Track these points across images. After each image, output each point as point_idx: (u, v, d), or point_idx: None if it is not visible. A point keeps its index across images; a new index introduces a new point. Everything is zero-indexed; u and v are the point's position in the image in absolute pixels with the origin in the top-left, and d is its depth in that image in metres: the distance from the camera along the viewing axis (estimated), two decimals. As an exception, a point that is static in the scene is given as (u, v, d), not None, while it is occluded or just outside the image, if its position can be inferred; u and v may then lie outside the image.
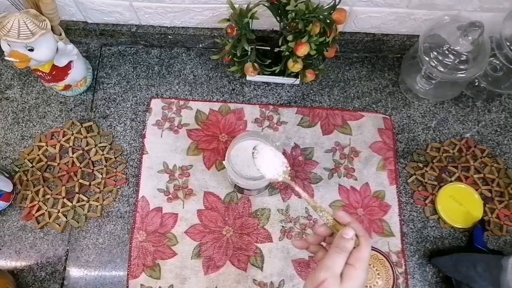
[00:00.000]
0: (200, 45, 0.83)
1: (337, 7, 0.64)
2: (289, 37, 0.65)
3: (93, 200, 0.72)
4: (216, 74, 0.81)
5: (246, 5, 0.66)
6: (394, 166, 0.75)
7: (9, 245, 0.70)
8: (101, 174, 0.73)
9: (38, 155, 0.74)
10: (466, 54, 0.65)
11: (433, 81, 0.75)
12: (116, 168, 0.74)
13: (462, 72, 0.66)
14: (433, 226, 0.71)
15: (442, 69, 0.66)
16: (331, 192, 0.73)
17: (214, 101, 0.79)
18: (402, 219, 0.72)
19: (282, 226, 0.71)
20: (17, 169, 0.74)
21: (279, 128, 0.77)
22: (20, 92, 0.80)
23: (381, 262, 0.67)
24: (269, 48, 0.74)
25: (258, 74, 0.74)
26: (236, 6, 0.67)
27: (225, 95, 0.80)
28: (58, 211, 0.71)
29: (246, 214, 0.71)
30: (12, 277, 0.67)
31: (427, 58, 0.67)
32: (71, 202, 0.72)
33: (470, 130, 0.77)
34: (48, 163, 0.74)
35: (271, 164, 0.53)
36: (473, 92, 0.79)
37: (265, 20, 0.70)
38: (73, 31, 0.80)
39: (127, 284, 0.68)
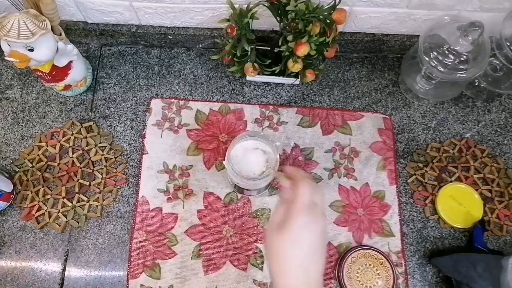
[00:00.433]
0: (200, 45, 0.83)
1: (337, 7, 0.64)
2: (289, 37, 0.65)
3: (93, 200, 0.72)
4: (216, 74, 0.81)
5: (246, 5, 0.66)
6: (394, 166, 0.75)
7: (9, 245, 0.70)
8: (101, 174, 0.73)
9: (38, 155, 0.74)
10: (466, 54, 0.65)
11: (433, 81, 0.75)
12: (116, 168, 0.74)
13: (462, 72, 0.66)
14: (433, 226, 0.71)
15: (442, 69, 0.66)
16: (331, 192, 0.73)
17: (214, 101, 0.79)
18: (402, 219, 0.72)
19: (282, 226, 0.71)
20: (17, 169, 0.74)
21: (279, 128, 0.77)
22: (20, 92, 0.80)
23: (381, 262, 0.68)
24: (269, 48, 0.74)
25: (258, 74, 0.74)
26: (236, 6, 0.67)
27: (225, 95, 0.80)
28: (58, 211, 0.71)
29: (246, 214, 0.71)
30: None
31: (427, 58, 0.67)
32: (71, 202, 0.72)
33: (470, 130, 0.77)
34: (48, 163, 0.74)
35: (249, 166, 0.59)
36: (473, 92, 0.79)
37: (265, 20, 0.70)
38: (73, 31, 0.80)
39: (127, 284, 0.68)
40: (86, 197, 0.72)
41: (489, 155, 0.75)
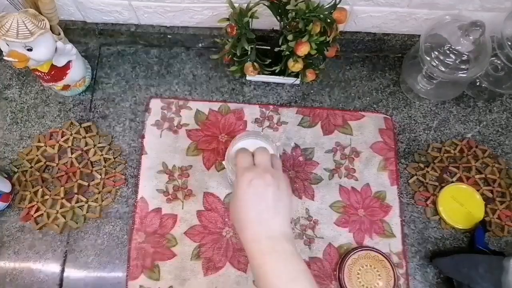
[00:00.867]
0: (200, 45, 0.82)
1: (338, 6, 0.64)
2: (289, 37, 0.64)
3: (92, 201, 0.72)
4: (216, 74, 0.81)
5: (246, 4, 0.66)
6: (395, 167, 0.74)
7: (8, 246, 0.69)
8: (100, 174, 0.73)
9: (37, 155, 0.74)
10: (467, 53, 0.65)
11: (434, 81, 0.74)
12: (115, 169, 0.74)
13: (463, 72, 0.65)
14: (434, 227, 0.71)
15: (443, 69, 0.66)
16: (331, 192, 0.73)
17: (214, 101, 0.79)
18: (403, 220, 0.71)
19: (282, 227, 0.70)
20: (15, 170, 0.73)
21: (279, 128, 0.77)
22: (18, 92, 0.79)
23: (382, 263, 0.67)
24: (269, 47, 0.73)
25: (258, 73, 0.73)
26: (236, 5, 0.66)
27: (225, 95, 0.79)
28: (57, 212, 0.71)
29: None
30: None
31: (428, 58, 0.66)
32: (70, 203, 0.71)
33: (472, 130, 0.77)
34: (47, 163, 0.74)
35: None
36: (474, 92, 0.79)
37: (265, 20, 0.70)
38: (72, 31, 0.79)
39: (126, 285, 0.67)
40: (85, 197, 0.72)
41: (490, 155, 0.75)
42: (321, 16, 0.63)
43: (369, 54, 0.83)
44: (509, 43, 0.65)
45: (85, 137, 0.75)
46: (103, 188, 0.72)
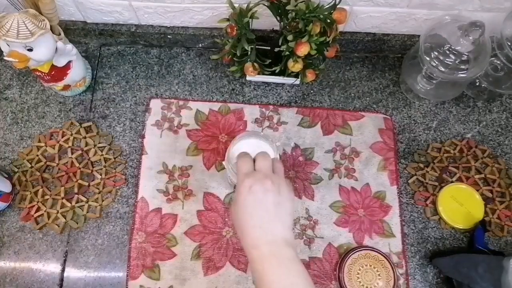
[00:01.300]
0: (200, 45, 0.82)
1: (338, 6, 0.64)
2: (289, 37, 0.65)
3: (92, 201, 0.72)
4: (216, 74, 0.81)
5: (246, 5, 0.66)
6: (394, 167, 0.74)
7: (8, 246, 0.69)
8: (100, 174, 0.73)
9: (37, 155, 0.74)
10: (467, 54, 0.65)
11: (434, 81, 0.74)
12: (115, 169, 0.74)
13: (463, 72, 0.66)
14: (434, 227, 0.71)
15: (443, 69, 0.66)
16: (331, 192, 0.73)
17: (214, 101, 0.79)
18: (403, 219, 0.71)
19: (282, 227, 0.70)
20: (16, 170, 0.73)
21: (279, 128, 0.77)
22: (19, 92, 0.79)
23: (382, 263, 0.67)
24: (269, 48, 0.73)
25: (258, 74, 0.73)
26: (236, 5, 0.66)
27: (225, 95, 0.79)
28: (57, 212, 0.71)
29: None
30: None
31: (427, 58, 0.66)
32: (70, 203, 0.71)
33: (471, 130, 0.77)
34: (47, 163, 0.74)
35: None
36: (474, 92, 0.79)
37: (265, 20, 0.70)
38: (72, 31, 0.80)
39: (127, 285, 0.67)
40: (85, 197, 0.72)
41: (490, 155, 0.75)
42: (321, 16, 0.63)
43: (369, 54, 0.83)
44: (509, 43, 0.65)
45: (85, 137, 0.75)
46: (103, 188, 0.72)
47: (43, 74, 0.70)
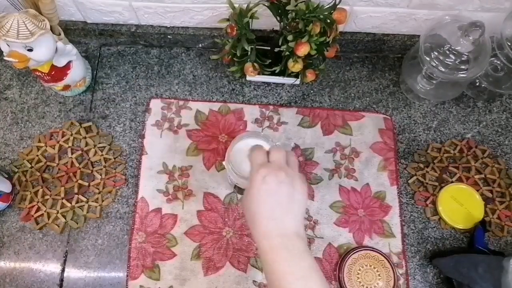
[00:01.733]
0: (200, 45, 0.82)
1: (338, 7, 0.64)
2: (289, 37, 0.65)
3: (92, 201, 0.72)
4: (216, 74, 0.81)
5: (246, 5, 0.66)
6: (394, 167, 0.74)
7: (8, 246, 0.69)
8: (100, 174, 0.73)
9: (37, 155, 0.74)
10: (467, 54, 0.65)
11: (434, 81, 0.74)
12: (115, 169, 0.74)
13: (463, 72, 0.66)
14: (434, 227, 0.71)
15: (443, 69, 0.66)
16: (331, 193, 0.73)
17: (214, 101, 0.79)
18: (403, 220, 0.71)
19: (282, 227, 0.70)
20: (16, 170, 0.73)
21: (279, 128, 0.77)
22: (19, 92, 0.79)
23: (382, 263, 0.67)
24: (269, 48, 0.73)
25: (258, 74, 0.73)
26: (236, 5, 0.66)
27: (225, 95, 0.79)
28: (57, 212, 0.71)
29: (244, 217, 0.71)
30: None
31: (428, 58, 0.66)
32: (70, 203, 0.71)
33: (471, 130, 0.77)
34: (47, 163, 0.74)
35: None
36: (474, 93, 0.79)
37: (265, 20, 0.70)
38: (72, 31, 0.80)
39: (127, 285, 0.67)
40: (85, 197, 0.72)
41: (490, 155, 0.75)
42: (321, 16, 0.63)
43: (369, 55, 0.83)
44: (509, 44, 0.65)
45: (85, 137, 0.75)
46: (103, 188, 0.72)
47: (43, 74, 0.70)
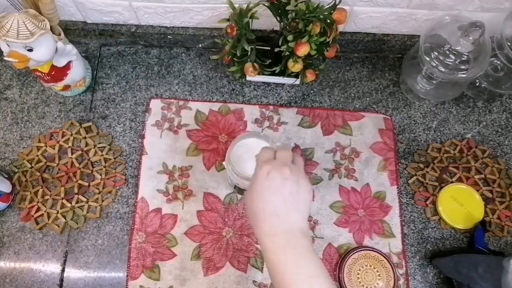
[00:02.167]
0: (200, 45, 0.82)
1: (338, 7, 0.64)
2: (289, 37, 0.65)
3: (92, 201, 0.72)
4: (216, 74, 0.81)
5: (246, 5, 0.66)
6: (394, 167, 0.74)
7: (8, 246, 0.69)
8: (100, 174, 0.73)
9: (37, 155, 0.74)
10: (467, 54, 0.65)
11: (434, 81, 0.74)
12: (115, 169, 0.74)
13: (463, 72, 0.66)
14: (434, 227, 0.71)
15: (443, 69, 0.66)
16: (331, 193, 0.73)
17: (214, 101, 0.79)
18: (402, 220, 0.71)
19: (282, 227, 0.70)
20: (16, 170, 0.73)
21: (279, 128, 0.77)
22: (19, 92, 0.79)
23: (382, 263, 0.67)
24: (269, 48, 0.73)
25: (258, 74, 0.73)
26: (236, 6, 0.66)
27: (225, 95, 0.79)
28: (57, 212, 0.71)
29: (246, 215, 0.71)
30: None
31: (427, 58, 0.66)
32: (70, 203, 0.71)
33: (471, 130, 0.77)
34: (47, 163, 0.74)
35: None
36: (474, 93, 0.79)
37: (265, 20, 0.70)
38: (72, 31, 0.80)
39: (127, 285, 0.67)
40: (85, 198, 0.72)
41: (490, 155, 0.75)
42: (321, 16, 0.63)
43: (369, 55, 0.83)
44: (509, 44, 0.65)
45: (85, 137, 0.75)
46: (103, 188, 0.72)
47: (43, 74, 0.70)
